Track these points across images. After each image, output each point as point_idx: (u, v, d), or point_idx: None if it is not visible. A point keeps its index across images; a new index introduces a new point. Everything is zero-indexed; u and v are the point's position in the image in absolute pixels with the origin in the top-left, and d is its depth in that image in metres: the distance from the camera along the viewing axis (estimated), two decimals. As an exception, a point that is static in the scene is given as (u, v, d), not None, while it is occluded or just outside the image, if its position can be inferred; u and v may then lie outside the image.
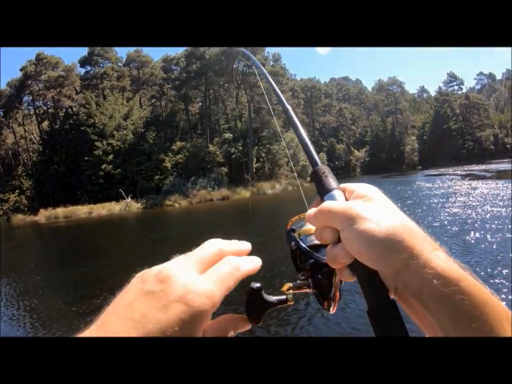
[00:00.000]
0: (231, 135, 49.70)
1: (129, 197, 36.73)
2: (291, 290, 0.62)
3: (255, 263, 0.53)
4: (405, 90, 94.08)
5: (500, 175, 34.72)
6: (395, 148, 78.59)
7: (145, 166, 42.65)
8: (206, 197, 38.65)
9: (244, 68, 51.05)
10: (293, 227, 0.68)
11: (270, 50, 60.09)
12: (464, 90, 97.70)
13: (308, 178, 54.58)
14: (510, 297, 6.02)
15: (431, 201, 19.60)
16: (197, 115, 56.49)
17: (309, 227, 0.65)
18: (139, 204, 36.77)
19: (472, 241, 9.92)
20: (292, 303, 0.60)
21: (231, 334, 0.53)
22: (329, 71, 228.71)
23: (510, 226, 10.88)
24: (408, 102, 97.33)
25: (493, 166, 52.72)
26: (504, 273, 7.08)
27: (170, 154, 44.97)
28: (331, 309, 0.64)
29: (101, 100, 48.89)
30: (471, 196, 19.79)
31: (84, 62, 55.33)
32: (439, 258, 0.50)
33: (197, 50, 49.81)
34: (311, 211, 0.59)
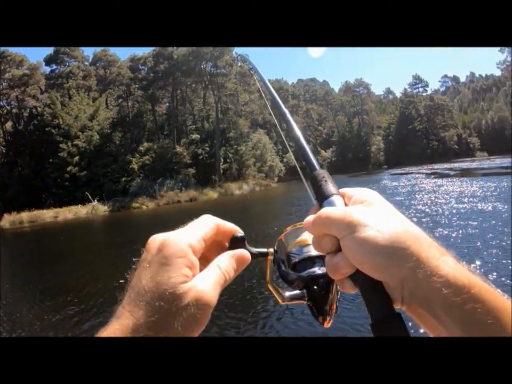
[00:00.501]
0: (198, 136, 49.93)
1: (95, 200, 36.34)
2: (285, 302, 0.62)
3: (243, 262, 0.58)
4: (371, 92, 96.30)
5: (463, 173, 36.75)
6: (361, 147, 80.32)
7: (112, 168, 42.18)
8: (173, 199, 38.65)
9: (212, 69, 51.49)
10: (271, 249, 0.65)
11: (238, 51, 60.58)
12: (429, 92, 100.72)
13: (276, 179, 55.58)
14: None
15: (398, 198, 20.35)
16: (164, 116, 56.39)
17: (304, 237, 0.64)
18: (106, 207, 36.35)
19: (438, 235, 10.27)
20: (271, 258, 0.62)
21: (232, 272, 0.56)
22: (297, 72, 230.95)
23: (475, 222, 11.63)
24: (374, 103, 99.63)
25: (457, 165, 55.18)
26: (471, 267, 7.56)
27: (137, 156, 44.69)
28: (326, 323, 0.62)
29: (66, 99, 48.00)
30: (436, 193, 20.81)
31: (49, 61, 54.06)
32: (448, 265, 0.48)
33: (165, 50, 49.82)
34: (310, 218, 0.57)
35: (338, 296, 0.62)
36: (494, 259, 7.90)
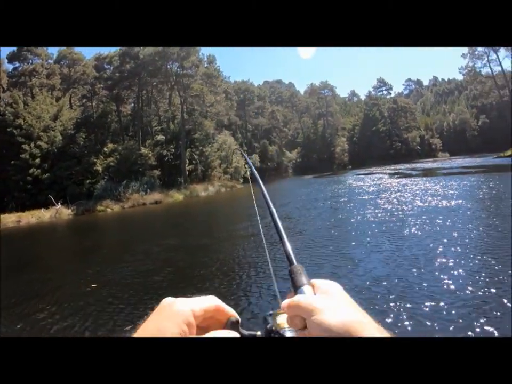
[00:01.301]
0: (164, 137, 49.81)
1: (59, 203, 35.57)
2: None
3: None
4: (336, 94, 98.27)
5: (425, 173, 38.09)
6: (326, 149, 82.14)
7: (75, 170, 41.34)
8: (138, 201, 38.45)
9: (178, 69, 51.57)
10: (269, 325, 0.82)
11: (205, 52, 60.71)
12: (392, 95, 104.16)
13: (241, 180, 56.25)
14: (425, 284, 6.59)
15: (363, 197, 21.25)
16: (129, 116, 55.77)
17: (281, 322, 0.80)
18: (70, 210, 35.68)
19: (407, 233, 10.80)
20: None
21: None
22: (264, 73, 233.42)
23: (440, 219, 12.13)
24: (339, 105, 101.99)
25: (419, 165, 56.90)
26: (436, 264, 7.62)
27: (101, 157, 44.01)
28: None
29: (29, 99, 46.52)
30: (401, 192, 21.57)
31: (12, 58, 51.82)
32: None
33: (131, 49, 49.07)
34: (286, 302, 0.74)
35: None
36: (460, 252, 8.36)
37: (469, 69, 70.86)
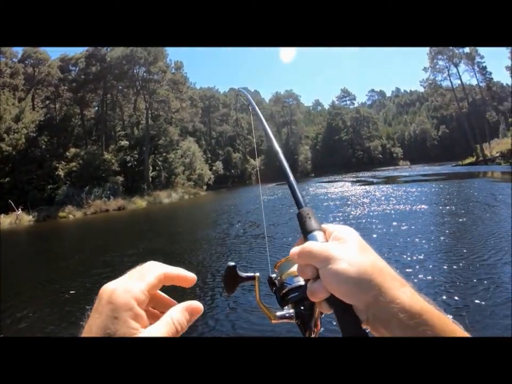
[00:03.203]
0: (127, 143, 49.76)
1: (19, 209, 34.68)
2: (276, 320, 0.72)
3: (195, 313, 0.62)
4: (300, 103, 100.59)
5: (387, 181, 39.57)
6: (289, 156, 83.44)
7: (37, 174, 40.59)
8: (101, 207, 38.04)
9: (145, 74, 51.70)
10: (274, 274, 0.77)
11: (173, 58, 60.93)
12: (355, 105, 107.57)
13: (204, 187, 56.88)
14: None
15: (326, 204, 21.94)
16: (92, 120, 55.19)
17: (294, 269, 0.73)
18: (31, 216, 34.85)
19: (373, 239, 10.95)
20: (257, 278, 0.76)
21: (179, 327, 0.59)
22: (230, 81, 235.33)
23: (403, 223, 12.79)
24: (303, 114, 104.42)
25: (380, 173, 59.23)
26: (401, 266, 7.94)
27: (63, 162, 43.39)
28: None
29: None
30: (364, 198, 22.57)
31: None
32: (405, 294, 0.58)
33: (98, 51, 49.15)
34: (295, 250, 0.68)
35: (322, 316, 0.72)
36: (423, 254, 8.88)
37: (430, 81, 74.03)
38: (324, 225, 0.71)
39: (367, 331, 0.60)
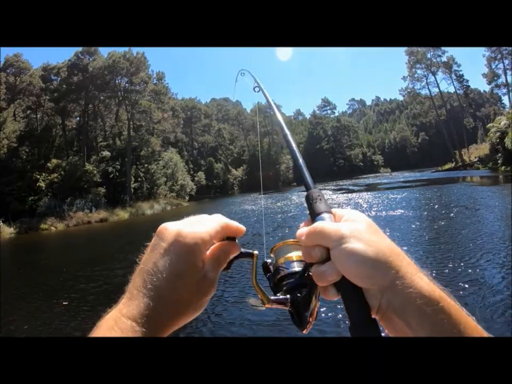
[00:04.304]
0: (109, 153, 49.24)
1: (0, 221, 34.16)
2: (269, 304, 0.70)
3: (233, 250, 0.70)
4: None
5: (368, 188, 40.04)
6: (271, 166, 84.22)
7: (18, 186, 40.04)
8: (83, 219, 37.63)
9: (127, 84, 51.66)
10: (269, 260, 0.76)
11: (155, 69, 60.93)
12: (336, 114, 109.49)
13: (187, 198, 57.05)
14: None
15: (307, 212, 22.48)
16: (74, 131, 54.69)
17: (291, 254, 0.72)
18: (12, 229, 34.27)
19: None
20: (255, 256, 0.74)
21: (225, 258, 0.66)
22: (211, 91, 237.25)
23: (388, 232, 12.86)
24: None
25: (361, 181, 59.65)
26: None
27: (45, 173, 42.87)
28: (304, 330, 0.68)
29: None
30: (344, 205, 22.94)
31: None
32: (423, 280, 0.56)
33: (80, 61, 48.89)
34: (303, 230, 0.64)
35: (318, 306, 0.69)
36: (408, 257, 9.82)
37: (409, 90, 75.96)
38: (334, 209, 0.69)
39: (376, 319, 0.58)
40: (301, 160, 0.79)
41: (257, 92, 1.09)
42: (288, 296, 0.69)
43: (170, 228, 0.61)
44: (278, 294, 0.71)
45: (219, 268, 0.66)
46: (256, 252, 0.75)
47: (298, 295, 0.68)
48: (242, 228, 0.71)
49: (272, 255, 0.76)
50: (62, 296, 9.72)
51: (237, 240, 0.73)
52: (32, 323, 7.97)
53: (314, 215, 0.67)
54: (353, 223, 0.62)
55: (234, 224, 0.70)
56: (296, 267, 0.71)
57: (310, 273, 0.65)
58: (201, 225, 0.63)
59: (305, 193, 0.70)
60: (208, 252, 0.65)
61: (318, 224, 0.63)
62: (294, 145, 0.83)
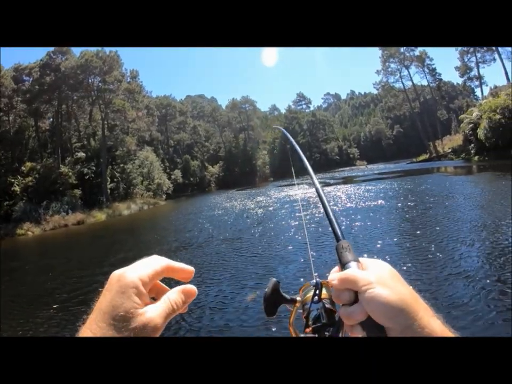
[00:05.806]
0: (84, 154, 48.67)
1: None
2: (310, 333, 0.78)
3: (190, 295, 0.71)
4: (257, 108, 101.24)
5: (345, 181, 41.00)
6: (248, 162, 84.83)
7: None
8: (60, 223, 37.21)
9: (100, 84, 51.20)
10: (298, 298, 0.85)
11: (128, 67, 60.33)
12: (311, 109, 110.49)
13: (164, 196, 57.04)
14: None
15: (287, 206, 23.19)
16: (47, 132, 53.85)
17: (309, 295, 0.82)
18: None
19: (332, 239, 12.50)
20: (298, 302, 0.82)
21: (174, 305, 0.68)
22: (186, 88, 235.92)
23: (369, 222, 13.28)
24: (260, 119, 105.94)
25: (337, 174, 60.98)
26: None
27: (19, 177, 42.15)
28: None
29: None
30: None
31: None
32: (436, 323, 0.65)
33: (52, 61, 48.29)
34: (336, 275, 0.73)
35: None
36: (389, 244, 9.69)
37: (383, 84, 77.32)
38: (361, 259, 0.78)
39: None
40: (331, 214, 0.91)
41: (288, 146, 1.28)
42: (316, 335, 0.79)
43: (116, 273, 0.66)
44: (308, 330, 0.81)
45: (168, 312, 0.67)
46: (299, 299, 0.85)
47: (326, 333, 0.77)
48: (190, 270, 0.75)
49: (301, 292, 0.88)
50: (46, 303, 9.72)
51: (280, 289, 0.81)
52: (12, 333, 7.92)
53: (344, 262, 0.76)
54: (379, 272, 0.71)
55: (179, 265, 0.74)
56: (323, 306, 0.81)
57: (333, 311, 0.76)
58: (141, 267, 0.68)
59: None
60: (164, 296, 0.69)
61: (349, 271, 0.72)
62: (325, 199, 0.98)
